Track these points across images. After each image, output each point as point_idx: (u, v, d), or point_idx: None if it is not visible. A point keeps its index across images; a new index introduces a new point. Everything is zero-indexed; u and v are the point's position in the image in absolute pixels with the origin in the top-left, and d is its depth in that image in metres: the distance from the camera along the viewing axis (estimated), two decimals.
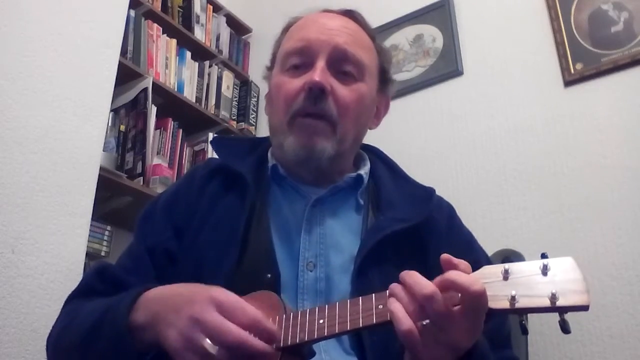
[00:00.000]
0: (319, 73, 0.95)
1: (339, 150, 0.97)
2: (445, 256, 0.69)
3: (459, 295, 0.65)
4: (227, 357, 0.67)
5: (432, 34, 2.19)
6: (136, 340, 0.76)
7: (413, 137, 2.06)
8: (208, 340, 0.67)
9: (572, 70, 1.83)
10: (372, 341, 0.84)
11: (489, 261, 1.01)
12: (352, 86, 0.99)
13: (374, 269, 0.89)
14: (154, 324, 0.74)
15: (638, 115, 1.68)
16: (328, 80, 0.96)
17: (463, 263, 0.69)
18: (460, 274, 0.66)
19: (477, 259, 0.96)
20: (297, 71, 0.99)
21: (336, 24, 1.02)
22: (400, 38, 2.25)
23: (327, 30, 1.00)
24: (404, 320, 0.64)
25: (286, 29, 1.09)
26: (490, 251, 1.26)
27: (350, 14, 1.06)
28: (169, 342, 0.71)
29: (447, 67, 2.10)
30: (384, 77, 1.09)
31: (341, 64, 0.99)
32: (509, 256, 1.43)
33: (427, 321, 0.65)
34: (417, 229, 0.95)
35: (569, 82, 1.83)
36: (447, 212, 1.05)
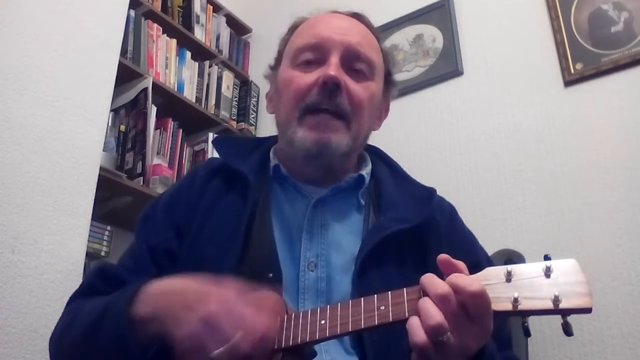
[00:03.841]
0: (333, 67, 0.96)
1: (352, 147, 0.98)
2: (442, 256, 0.69)
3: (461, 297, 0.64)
4: None
5: (432, 34, 2.18)
6: (138, 333, 0.76)
7: (413, 137, 2.06)
8: (218, 348, 0.67)
9: (572, 70, 1.83)
10: (373, 341, 0.84)
11: (490, 262, 1.01)
12: (364, 83, 1.00)
13: (374, 269, 0.89)
14: (162, 319, 0.74)
15: (638, 116, 1.68)
16: (342, 76, 0.96)
17: (460, 263, 0.69)
18: (459, 276, 0.66)
19: (478, 259, 0.97)
20: (309, 67, 1.00)
21: (347, 24, 1.04)
22: (400, 38, 2.25)
23: (340, 30, 1.01)
24: (418, 333, 0.64)
25: (293, 28, 1.09)
26: (490, 251, 1.25)
27: (358, 17, 1.08)
28: (177, 341, 0.70)
29: (447, 67, 2.10)
30: (388, 80, 1.10)
31: (353, 61, 1.00)
32: (510, 256, 1.43)
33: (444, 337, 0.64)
34: (417, 229, 0.95)
35: (569, 82, 1.83)
36: (449, 212, 1.05)
